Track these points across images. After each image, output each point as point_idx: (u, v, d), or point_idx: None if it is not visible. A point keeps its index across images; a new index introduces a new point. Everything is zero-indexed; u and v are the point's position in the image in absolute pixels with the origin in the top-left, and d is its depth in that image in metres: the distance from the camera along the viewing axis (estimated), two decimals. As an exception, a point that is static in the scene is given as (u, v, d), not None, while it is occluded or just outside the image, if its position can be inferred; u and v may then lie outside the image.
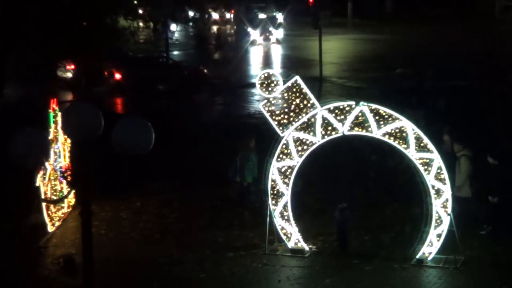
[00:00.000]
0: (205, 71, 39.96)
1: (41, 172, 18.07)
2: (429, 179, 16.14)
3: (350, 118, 16.13)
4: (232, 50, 54.63)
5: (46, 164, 17.76)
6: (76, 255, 16.12)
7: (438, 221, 16.31)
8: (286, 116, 16.36)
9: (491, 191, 17.60)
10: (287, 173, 16.53)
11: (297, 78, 16.50)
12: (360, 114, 16.13)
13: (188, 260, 16.92)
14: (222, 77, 40.47)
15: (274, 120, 16.40)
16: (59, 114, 18.87)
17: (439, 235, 16.35)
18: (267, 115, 16.42)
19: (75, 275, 15.52)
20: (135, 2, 40.05)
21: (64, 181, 18.68)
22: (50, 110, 19.30)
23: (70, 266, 16.30)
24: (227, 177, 20.12)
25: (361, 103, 16.19)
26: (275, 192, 16.66)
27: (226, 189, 20.92)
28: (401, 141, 16.11)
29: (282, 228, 16.92)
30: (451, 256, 16.16)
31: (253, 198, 19.51)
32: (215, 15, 75.00)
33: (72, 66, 38.55)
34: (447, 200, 16.25)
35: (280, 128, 16.40)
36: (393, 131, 16.09)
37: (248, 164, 19.37)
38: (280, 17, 71.41)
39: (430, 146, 16.14)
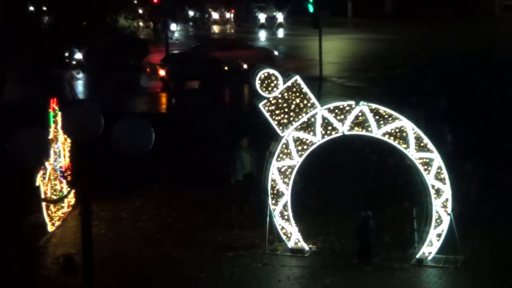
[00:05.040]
0: (245, 66, 40.31)
1: (41, 172, 18.07)
2: (429, 179, 16.16)
3: (350, 118, 16.14)
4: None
5: (46, 163, 17.77)
6: (76, 255, 16.12)
7: (438, 221, 16.32)
8: (286, 116, 16.36)
9: None
10: (287, 172, 16.53)
11: (297, 77, 16.50)
12: (360, 114, 16.14)
13: (188, 260, 16.93)
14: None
15: (274, 120, 16.40)
16: (59, 114, 18.87)
17: (439, 235, 16.37)
18: (267, 115, 16.41)
19: (75, 275, 15.53)
20: (135, 2, 40.15)
21: (64, 181, 18.69)
22: (50, 110, 19.30)
23: (70, 266, 16.30)
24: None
25: (361, 102, 16.20)
26: (275, 192, 16.65)
27: (226, 189, 20.92)
28: (401, 141, 16.12)
29: (282, 228, 16.91)
30: (451, 256, 16.17)
31: (242, 196, 19.61)
32: (215, 15, 75.02)
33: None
34: (447, 200, 16.26)
35: (280, 127, 16.40)
36: (393, 131, 16.10)
37: (237, 163, 19.58)
38: (280, 17, 71.44)
39: (430, 146, 16.16)
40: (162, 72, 39.57)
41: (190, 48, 46.37)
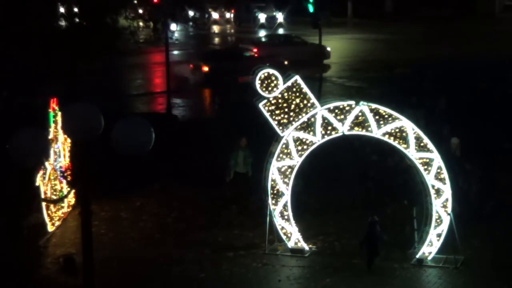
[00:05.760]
0: (285, 62, 40.97)
1: (41, 172, 18.07)
2: (429, 179, 16.16)
3: (350, 117, 16.14)
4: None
5: (46, 163, 17.77)
6: (76, 255, 16.13)
7: (438, 220, 16.32)
8: (286, 116, 16.36)
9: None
10: (287, 172, 16.53)
11: (297, 77, 16.50)
12: (360, 114, 16.14)
13: (188, 260, 16.93)
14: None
15: (274, 120, 16.39)
16: (59, 114, 18.87)
17: (439, 235, 16.37)
18: (267, 115, 16.41)
19: (75, 275, 15.54)
20: (135, 2, 40.11)
21: (64, 181, 18.69)
22: (50, 110, 19.29)
23: (70, 266, 16.30)
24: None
25: (361, 102, 16.20)
26: (275, 191, 16.65)
27: (226, 189, 20.93)
28: (401, 141, 16.12)
29: (282, 228, 16.91)
30: (451, 256, 16.18)
31: (242, 196, 19.66)
32: (215, 15, 75.01)
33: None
34: (447, 199, 16.27)
35: (280, 127, 16.40)
36: (393, 131, 16.10)
37: (231, 161, 19.82)
38: (280, 17, 71.42)
39: (430, 146, 16.16)
40: (205, 68, 40.78)
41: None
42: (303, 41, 48.64)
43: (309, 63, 41.94)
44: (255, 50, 44.81)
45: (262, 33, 61.71)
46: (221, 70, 39.86)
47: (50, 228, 18.58)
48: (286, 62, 41.24)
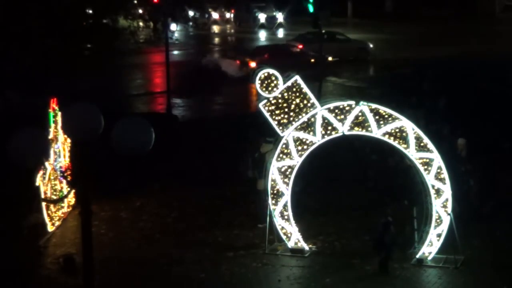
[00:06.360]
0: (329, 59, 41.38)
1: (41, 172, 18.07)
2: (429, 179, 16.16)
3: (350, 118, 16.14)
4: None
5: (46, 163, 17.77)
6: (76, 254, 16.12)
7: (438, 221, 16.32)
8: (286, 116, 16.36)
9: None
10: (287, 172, 16.53)
11: (297, 77, 16.50)
12: (360, 114, 16.14)
13: (188, 260, 16.93)
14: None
15: (274, 120, 16.39)
16: (59, 114, 18.87)
17: (439, 235, 16.37)
18: (267, 115, 16.41)
19: (75, 275, 15.53)
20: (135, 2, 40.12)
21: (64, 181, 18.69)
22: (50, 110, 19.29)
23: (70, 266, 16.30)
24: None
25: (361, 102, 16.20)
26: (275, 191, 16.65)
27: (226, 189, 20.94)
28: (401, 141, 16.12)
29: (282, 228, 16.91)
30: (451, 256, 16.17)
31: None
32: (215, 15, 74.99)
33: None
34: (447, 200, 16.27)
35: (280, 128, 16.40)
36: (393, 131, 16.10)
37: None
38: (280, 17, 71.42)
39: (430, 145, 16.16)
40: (253, 64, 41.21)
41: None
42: (347, 38, 49.07)
43: (352, 60, 42.65)
44: (300, 46, 45.30)
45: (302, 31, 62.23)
46: (267, 66, 40.17)
47: (50, 228, 18.58)
48: (330, 58, 41.89)
